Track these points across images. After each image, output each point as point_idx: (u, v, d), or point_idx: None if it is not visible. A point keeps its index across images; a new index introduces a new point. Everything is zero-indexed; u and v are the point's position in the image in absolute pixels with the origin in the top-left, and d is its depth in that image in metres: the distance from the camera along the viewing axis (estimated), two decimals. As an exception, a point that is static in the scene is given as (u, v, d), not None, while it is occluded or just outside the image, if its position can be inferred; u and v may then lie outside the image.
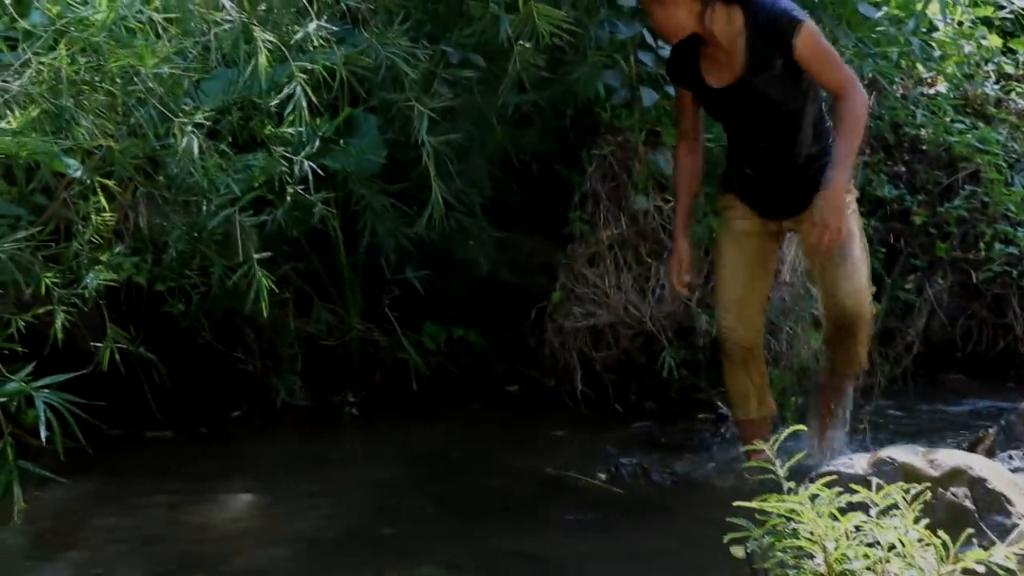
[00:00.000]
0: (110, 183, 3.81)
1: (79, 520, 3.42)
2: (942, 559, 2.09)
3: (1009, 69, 6.03)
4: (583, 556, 3.10)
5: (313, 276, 4.92)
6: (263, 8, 3.67)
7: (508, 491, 3.72)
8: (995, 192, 5.36)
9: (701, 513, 3.43)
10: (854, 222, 3.52)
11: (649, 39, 4.29)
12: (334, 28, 3.80)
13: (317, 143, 4.18)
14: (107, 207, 3.86)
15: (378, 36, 3.93)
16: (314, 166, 3.98)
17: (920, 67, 5.66)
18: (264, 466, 4.18)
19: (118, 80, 3.42)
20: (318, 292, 4.93)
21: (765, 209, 3.58)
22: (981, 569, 2.08)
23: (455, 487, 3.81)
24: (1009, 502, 2.63)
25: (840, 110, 3.32)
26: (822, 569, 2.13)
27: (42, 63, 3.31)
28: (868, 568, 2.12)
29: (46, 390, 3.36)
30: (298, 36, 3.64)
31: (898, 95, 5.74)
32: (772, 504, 2.23)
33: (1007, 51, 6.10)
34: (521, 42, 3.89)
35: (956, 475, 2.69)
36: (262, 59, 3.50)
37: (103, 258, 3.95)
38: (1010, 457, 3.22)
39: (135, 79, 3.42)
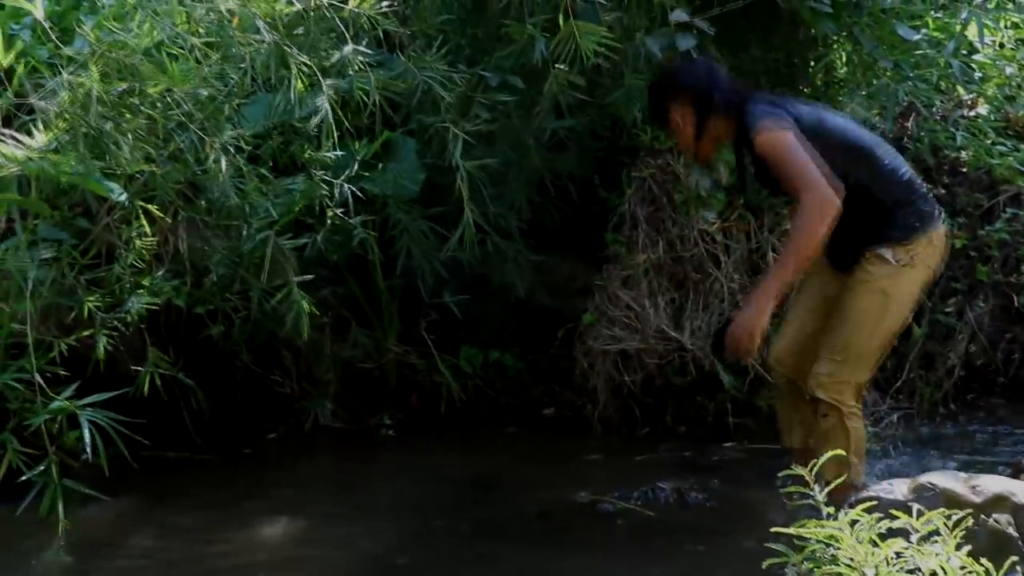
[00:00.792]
0: (152, 208, 3.86)
1: (116, 539, 3.46)
2: (985, 587, 2.06)
3: (1051, 91, 5.97)
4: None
5: (351, 299, 4.95)
6: (300, 32, 3.70)
7: (544, 515, 3.71)
8: (1037, 215, 5.31)
9: (738, 538, 3.41)
10: (865, 294, 3.39)
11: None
12: (371, 52, 3.84)
13: (356, 167, 4.20)
14: (148, 231, 3.90)
15: (415, 60, 3.96)
16: (354, 189, 4.01)
17: (960, 89, 5.61)
18: (300, 488, 4.19)
19: (158, 105, 3.47)
20: (355, 315, 4.96)
21: (829, 257, 3.56)
22: (1024, 597, 2.05)
23: (491, 510, 3.80)
24: (1053, 529, 2.59)
25: (792, 222, 3.41)
26: (862, 596, 2.11)
27: (75, 84, 3.36)
28: (909, 595, 2.09)
29: (89, 409, 3.40)
30: (334, 60, 3.67)
31: (938, 117, 5.70)
32: (811, 530, 2.20)
33: (1049, 73, 6.05)
34: (559, 65, 3.90)
35: (999, 502, 2.66)
36: (297, 83, 3.54)
37: (145, 282, 3.99)
38: (1054, 484, 3.17)
39: (174, 103, 3.47)
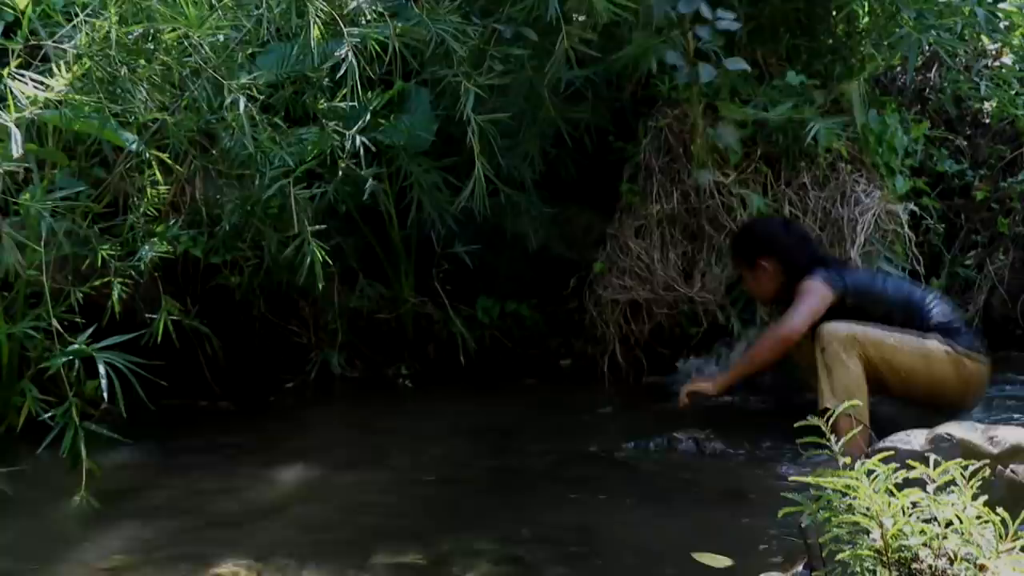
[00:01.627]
0: (165, 156, 3.85)
1: (136, 484, 3.48)
2: (1001, 536, 2.05)
3: (1079, 39, 5.88)
4: (636, 527, 3.09)
5: (365, 250, 4.95)
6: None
7: (562, 464, 3.72)
8: (1061, 167, 5.25)
9: (753, 487, 3.41)
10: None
11: (705, 12, 4.23)
12: (388, 2, 3.81)
13: (368, 117, 4.18)
14: (161, 180, 3.90)
15: (429, 12, 3.93)
16: (366, 141, 3.99)
17: (985, 38, 5.53)
18: (316, 437, 4.22)
19: (173, 51, 3.45)
20: (371, 266, 4.96)
21: None
22: (1041, 547, 2.04)
23: (508, 460, 3.81)
24: (1071, 480, 2.58)
25: (770, 330, 4.03)
26: (878, 545, 2.10)
27: (92, 26, 3.34)
28: (925, 544, 2.09)
29: (107, 353, 3.42)
30: (351, 7, 3.63)
31: (961, 67, 5.62)
32: (828, 479, 2.20)
33: (1076, 21, 5.94)
34: (576, 17, 3.86)
35: (1016, 452, 2.66)
36: (314, 31, 3.51)
37: (158, 230, 3.99)
38: (1072, 435, 3.15)
39: (191, 48, 3.44)
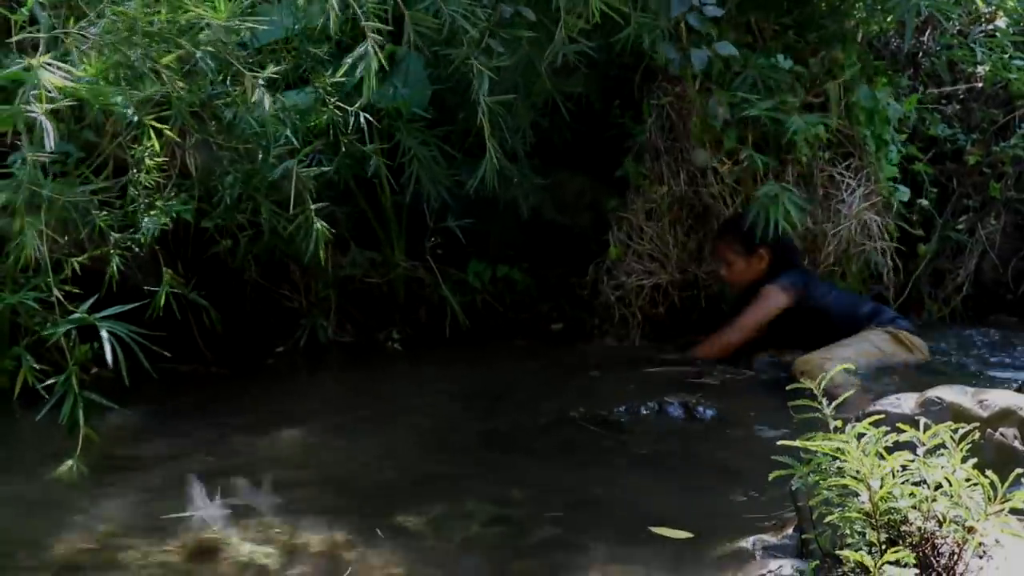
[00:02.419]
0: (165, 127, 3.82)
1: (132, 450, 3.49)
2: (989, 499, 2.07)
3: (1073, 3, 5.85)
4: (628, 490, 3.11)
5: (357, 216, 4.93)
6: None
7: (553, 427, 3.73)
8: (1053, 131, 5.25)
9: (745, 450, 3.43)
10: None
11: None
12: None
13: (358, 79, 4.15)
14: (159, 150, 3.87)
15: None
16: (368, 117, 3.97)
17: (979, 2, 5.51)
18: (308, 402, 4.22)
19: (188, 35, 3.43)
20: (362, 231, 4.94)
21: None
22: (1029, 509, 2.06)
23: (499, 422, 3.82)
24: (1059, 443, 2.60)
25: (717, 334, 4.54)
26: (867, 507, 2.12)
27: (116, 14, 3.32)
28: (914, 507, 2.11)
29: (108, 322, 3.41)
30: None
31: (955, 32, 5.60)
32: (818, 442, 2.22)
33: (1070, -16, 5.92)
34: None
35: (1006, 415, 2.67)
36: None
37: (158, 203, 3.97)
38: (1061, 398, 3.17)
39: (207, 30, 3.43)
